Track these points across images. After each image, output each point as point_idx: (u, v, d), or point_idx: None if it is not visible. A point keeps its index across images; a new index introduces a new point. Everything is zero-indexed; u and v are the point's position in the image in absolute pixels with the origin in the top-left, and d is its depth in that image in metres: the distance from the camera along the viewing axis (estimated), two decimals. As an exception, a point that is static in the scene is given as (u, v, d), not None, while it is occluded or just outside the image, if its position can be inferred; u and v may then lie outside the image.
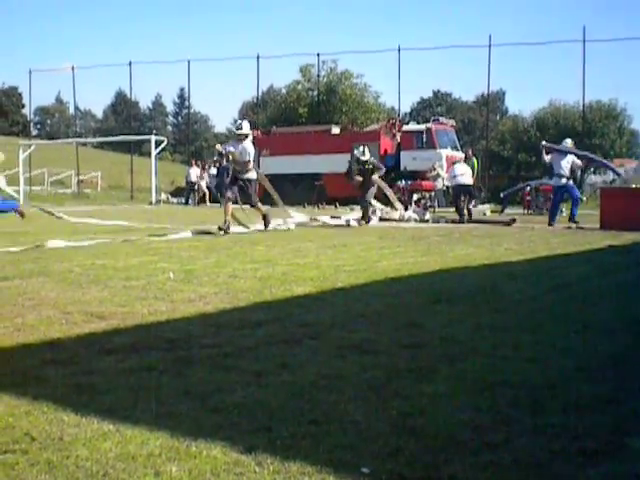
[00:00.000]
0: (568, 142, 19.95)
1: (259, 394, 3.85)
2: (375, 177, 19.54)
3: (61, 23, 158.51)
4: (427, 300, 6.98)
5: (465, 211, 20.98)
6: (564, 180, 18.91)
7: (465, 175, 21.74)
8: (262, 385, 4.03)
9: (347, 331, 5.49)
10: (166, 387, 3.96)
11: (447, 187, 28.49)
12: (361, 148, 19.98)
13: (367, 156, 19.64)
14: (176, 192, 44.34)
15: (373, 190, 19.78)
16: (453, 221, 20.79)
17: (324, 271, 8.80)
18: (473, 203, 23.48)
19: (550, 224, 18.64)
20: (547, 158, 19.36)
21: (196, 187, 37.88)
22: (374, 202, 20.85)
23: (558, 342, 5.23)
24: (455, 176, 21.62)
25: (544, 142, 20.66)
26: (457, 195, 21.70)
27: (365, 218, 19.30)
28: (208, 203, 35.94)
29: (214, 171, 37.52)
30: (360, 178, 19.44)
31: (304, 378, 4.18)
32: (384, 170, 20.31)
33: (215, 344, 4.99)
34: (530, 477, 2.88)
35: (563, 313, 6.44)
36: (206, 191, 36.86)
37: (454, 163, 22.52)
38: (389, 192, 22.44)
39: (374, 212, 20.98)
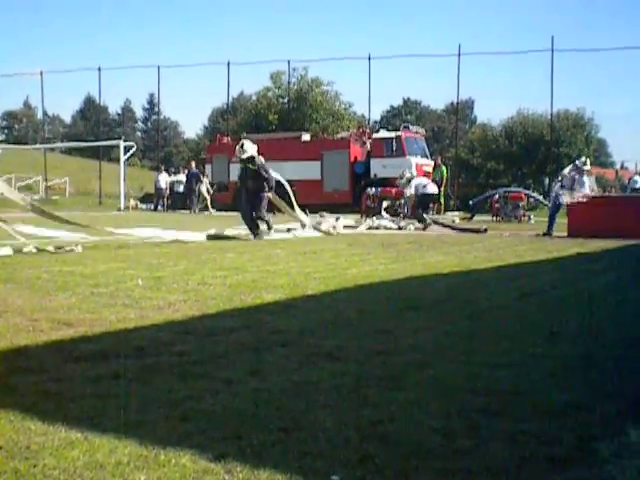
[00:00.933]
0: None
1: (229, 402, 3.83)
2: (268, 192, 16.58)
3: (30, 27, 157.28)
4: (397, 307, 6.99)
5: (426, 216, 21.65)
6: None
7: (430, 185, 22.55)
8: (232, 393, 4.00)
9: (317, 338, 5.49)
10: (134, 395, 3.93)
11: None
12: (242, 142, 16.89)
13: (249, 153, 16.18)
14: (145, 198, 44.05)
15: (265, 200, 16.48)
16: (424, 228, 21.06)
17: (294, 278, 8.79)
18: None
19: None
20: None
21: (166, 193, 37.70)
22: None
23: (527, 349, 5.25)
24: (425, 186, 22.05)
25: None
26: (426, 204, 22.06)
27: (259, 234, 16.09)
28: (212, 210, 34.22)
29: (182, 177, 37.43)
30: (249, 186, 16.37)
31: (274, 385, 4.16)
32: (273, 181, 17.00)
33: (184, 351, 4.96)
34: (499, 484, 2.89)
35: (532, 320, 6.47)
36: (207, 197, 35.38)
37: (409, 180, 22.71)
38: (284, 207, 18.98)
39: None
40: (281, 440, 3.27)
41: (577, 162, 19.79)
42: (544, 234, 18.39)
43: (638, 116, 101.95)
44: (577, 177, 19.11)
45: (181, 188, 37.17)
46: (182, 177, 37.61)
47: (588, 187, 19.32)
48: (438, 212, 30.61)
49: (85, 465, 2.96)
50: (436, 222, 21.96)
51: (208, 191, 34.90)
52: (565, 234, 17.98)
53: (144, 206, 40.54)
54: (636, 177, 21.52)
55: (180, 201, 36.88)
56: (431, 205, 21.71)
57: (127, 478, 2.85)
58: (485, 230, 19.48)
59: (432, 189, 22.43)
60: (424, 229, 20.85)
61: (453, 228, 20.98)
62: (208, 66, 73.58)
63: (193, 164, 38.18)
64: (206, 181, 34.53)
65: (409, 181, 22.65)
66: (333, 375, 4.42)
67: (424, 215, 21.75)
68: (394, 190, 25.27)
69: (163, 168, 40.29)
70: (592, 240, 15.60)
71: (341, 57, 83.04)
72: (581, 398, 4.00)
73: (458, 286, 8.70)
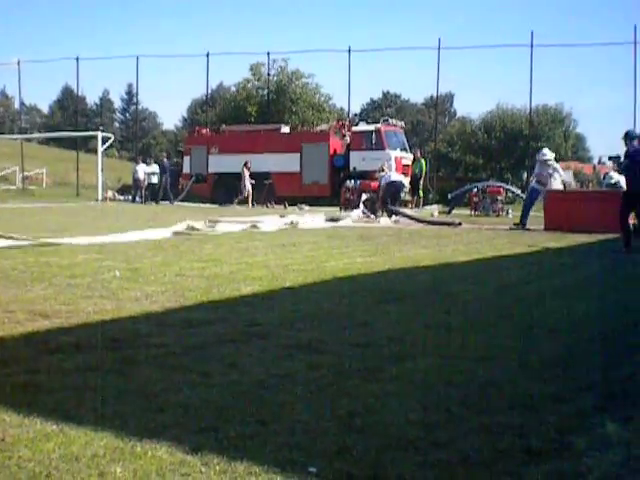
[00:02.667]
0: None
1: (206, 394, 3.82)
2: None
3: (7, 17, 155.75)
4: (375, 300, 7.00)
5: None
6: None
7: (395, 173, 23.84)
8: (209, 385, 3.99)
9: (295, 330, 5.48)
10: (111, 387, 3.91)
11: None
12: None
13: None
14: (123, 189, 43.77)
15: None
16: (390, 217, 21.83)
17: (272, 270, 8.77)
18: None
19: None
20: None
21: (144, 184, 37.45)
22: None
23: (504, 342, 5.28)
24: (390, 175, 23.11)
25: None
26: (393, 194, 22.87)
27: None
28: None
29: (155, 168, 37.09)
30: None
31: (252, 378, 4.15)
32: None
33: (161, 343, 4.94)
34: (477, 475, 2.90)
35: (509, 313, 6.50)
36: (250, 190, 31.95)
37: (381, 170, 23.17)
38: None
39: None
40: (258, 432, 3.26)
41: (538, 157, 20.02)
42: (516, 224, 18.61)
43: (616, 111, 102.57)
44: (547, 172, 19.29)
45: (155, 179, 36.92)
46: (155, 168, 37.36)
47: (559, 179, 19.49)
48: (417, 205, 30.68)
49: (61, 457, 2.94)
50: (405, 214, 22.04)
51: (252, 185, 32.59)
52: (542, 228, 18.06)
53: (122, 197, 40.32)
54: (612, 173, 21.71)
55: (152, 192, 36.40)
56: (402, 195, 22.19)
57: (103, 470, 2.83)
58: (459, 224, 19.50)
59: (396, 177, 23.07)
60: (390, 218, 21.40)
61: (421, 221, 20.95)
62: (187, 57, 73.39)
63: (165, 157, 38.16)
64: (247, 175, 32.19)
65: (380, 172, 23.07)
66: (311, 367, 4.42)
67: (390, 206, 22.08)
68: (373, 183, 25.30)
69: (141, 159, 40.04)
70: (568, 234, 15.68)
71: (321, 49, 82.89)
72: (558, 391, 4.02)
73: (436, 279, 8.72)
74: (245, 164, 31.51)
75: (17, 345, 4.84)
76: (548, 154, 19.88)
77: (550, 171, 19.38)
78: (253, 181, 31.68)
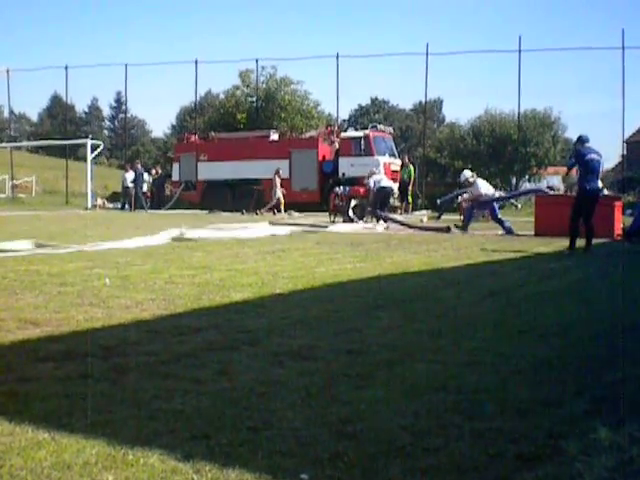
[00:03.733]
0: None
1: (197, 401, 3.82)
2: None
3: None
4: (366, 306, 7.01)
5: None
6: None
7: (385, 179, 23.82)
8: (200, 392, 3.99)
9: (286, 337, 5.48)
10: (102, 395, 3.90)
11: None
12: None
13: None
14: (113, 197, 43.72)
15: None
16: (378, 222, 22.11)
17: (262, 277, 8.77)
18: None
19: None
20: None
21: (133, 192, 37.44)
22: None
23: (495, 347, 5.29)
24: (380, 180, 23.18)
25: None
26: (383, 200, 23.12)
27: None
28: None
29: (146, 176, 37.25)
30: None
31: (242, 385, 4.15)
32: None
33: (152, 351, 4.94)
34: (468, 481, 2.90)
35: (500, 318, 6.51)
36: (281, 198, 31.47)
37: (370, 175, 23.38)
38: None
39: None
40: (250, 439, 3.26)
41: (462, 181, 21.56)
42: (457, 226, 19.83)
43: (604, 116, 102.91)
44: (476, 190, 20.27)
45: (145, 187, 37.06)
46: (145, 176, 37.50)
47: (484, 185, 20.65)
48: (406, 211, 30.73)
49: (52, 465, 2.94)
50: (395, 220, 22.17)
51: (283, 194, 32.03)
52: (532, 233, 18.11)
53: (111, 205, 40.26)
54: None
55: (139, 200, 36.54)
56: (392, 201, 22.46)
57: (95, 478, 2.83)
58: (449, 229, 19.55)
59: (386, 183, 23.16)
60: (379, 224, 21.64)
61: (411, 227, 21.06)
62: (176, 64, 73.08)
63: (138, 163, 38.47)
64: (278, 182, 31.52)
65: (370, 177, 23.16)
66: (302, 374, 4.42)
67: (378, 212, 22.21)
68: (362, 189, 25.31)
69: (129, 167, 40.00)
70: (558, 239, 15.72)
71: (309, 56, 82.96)
72: (550, 396, 4.03)
73: (427, 285, 8.74)
74: (277, 171, 31.43)
75: (7, 353, 4.82)
76: (467, 173, 21.35)
77: (475, 186, 20.38)
78: (284, 189, 31.60)
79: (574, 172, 14.99)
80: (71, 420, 3.46)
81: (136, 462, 2.98)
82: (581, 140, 14.25)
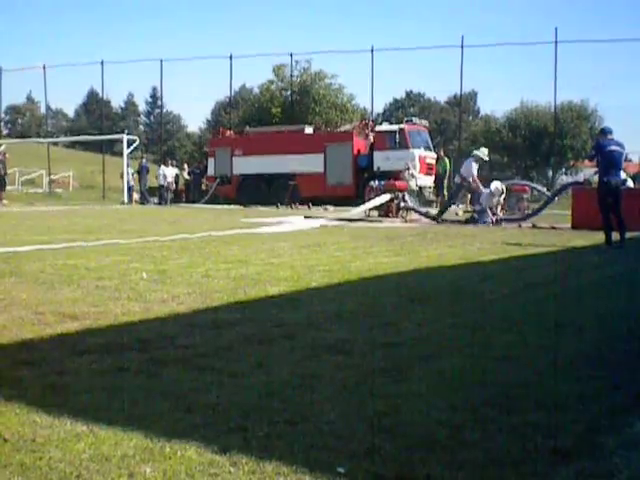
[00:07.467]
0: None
1: (234, 394, 3.83)
2: None
3: (33, 21, 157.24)
4: (401, 300, 6.99)
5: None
6: None
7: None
8: (237, 385, 4.00)
9: (322, 331, 5.49)
10: (140, 388, 3.93)
11: (420, 187, 28.76)
12: None
13: None
14: (150, 192, 44.02)
15: None
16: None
17: (298, 271, 8.78)
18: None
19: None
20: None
21: (172, 186, 37.80)
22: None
23: (532, 340, 5.26)
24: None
25: None
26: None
27: None
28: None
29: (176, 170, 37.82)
30: None
31: (279, 378, 4.16)
32: None
33: (189, 344, 4.96)
34: (505, 476, 2.89)
35: (536, 312, 6.47)
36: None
37: (406, 169, 23.42)
38: None
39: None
40: (286, 432, 3.27)
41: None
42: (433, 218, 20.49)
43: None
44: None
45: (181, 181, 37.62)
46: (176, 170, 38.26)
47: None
48: (442, 205, 30.58)
49: (91, 457, 2.96)
50: (419, 212, 22.35)
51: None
52: (569, 226, 17.96)
53: (149, 199, 40.51)
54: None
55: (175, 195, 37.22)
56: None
57: (133, 470, 2.85)
58: (475, 220, 19.59)
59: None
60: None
61: (433, 218, 21.39)
62: (210, 59, 73.41)
63: (143, 158, 39.28)
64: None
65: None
66: (338, 367, 4.42)
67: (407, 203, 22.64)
68: (397, 183, 25.25)
69: (168, 161, 40.27)
70: (596, 232, 15.56)
71: (344, 50, 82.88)
72: (587, 390, 4.00)
73: (463, 278, 8.70)
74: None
75: (47, 347, 4.87)
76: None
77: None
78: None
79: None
80: (109, 413, 3.49)
81: (173, 455, 3.00)
82: (603, 132, 14.13)
